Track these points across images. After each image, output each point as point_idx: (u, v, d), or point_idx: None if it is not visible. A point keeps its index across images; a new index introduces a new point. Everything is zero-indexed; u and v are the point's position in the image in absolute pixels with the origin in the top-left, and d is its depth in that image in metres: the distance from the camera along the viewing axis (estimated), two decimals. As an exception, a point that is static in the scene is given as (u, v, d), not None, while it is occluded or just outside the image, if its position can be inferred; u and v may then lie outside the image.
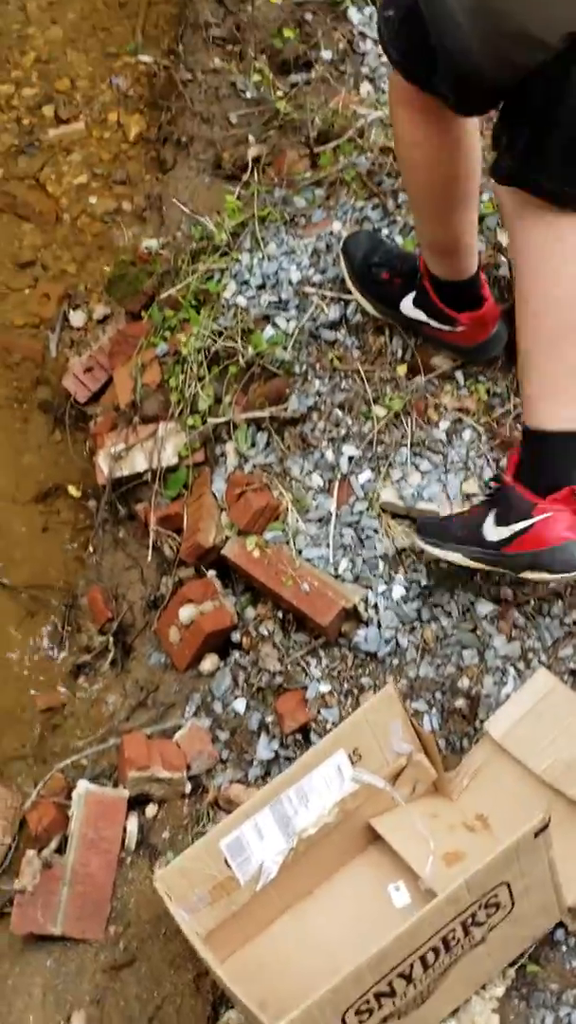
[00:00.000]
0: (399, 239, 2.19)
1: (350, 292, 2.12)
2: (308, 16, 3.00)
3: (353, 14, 2.93)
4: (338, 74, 2.84)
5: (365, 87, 2.76)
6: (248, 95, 3.00)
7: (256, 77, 2.96)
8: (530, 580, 1.80)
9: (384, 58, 2.78)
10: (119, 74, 3.30)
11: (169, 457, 2.18)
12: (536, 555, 1.73)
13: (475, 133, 1.72)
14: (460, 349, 2.03)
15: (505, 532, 1.76)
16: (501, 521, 1.76)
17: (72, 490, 2.45)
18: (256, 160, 2.78)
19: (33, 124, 3.16)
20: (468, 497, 1.94)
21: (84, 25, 3.43)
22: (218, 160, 2.89)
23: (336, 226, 2.27)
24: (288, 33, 2.91)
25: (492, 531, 1.78)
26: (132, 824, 1.92)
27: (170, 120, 3.11)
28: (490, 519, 1.80)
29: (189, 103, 3.07)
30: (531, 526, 1.71)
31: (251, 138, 2.88)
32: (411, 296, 2.01)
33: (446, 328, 1.98)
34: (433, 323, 1.99)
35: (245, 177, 2.59)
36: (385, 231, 2.22)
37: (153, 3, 3.52)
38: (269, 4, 3.07)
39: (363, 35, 2.88)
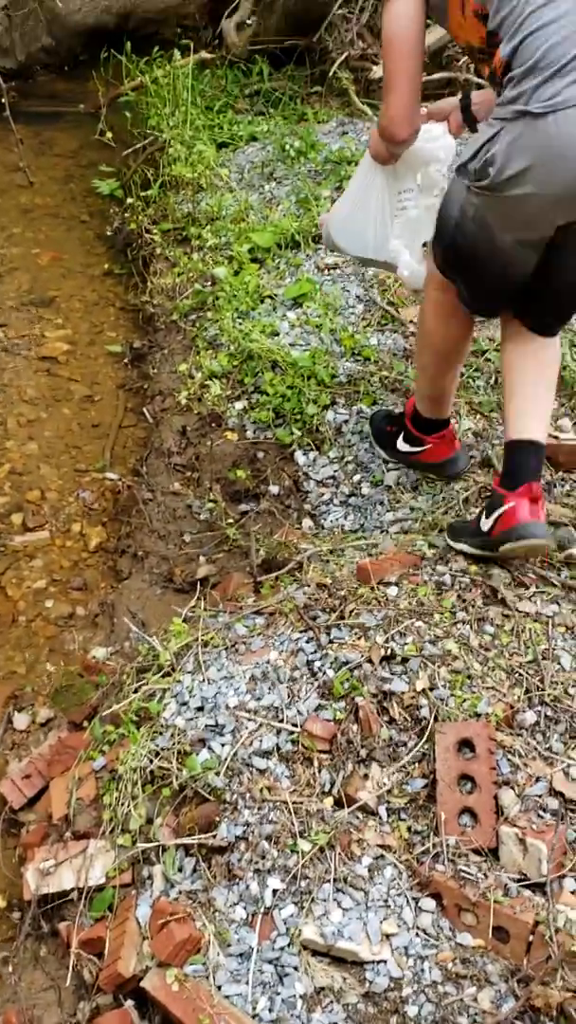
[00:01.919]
0: (330, 672, 2.35)
1: (280, 721, 2.26)
2: (260, 454, 3.37)
3: (299, 456, 3.30)
4: (283, 508, 3.15)
5: (307, 522, 3.06)
6: (202, 517, 3.29)
7: (210, 504, 3.26)
8: (505, 554, 2.54)
9: (324, 496, 3.13)
10: (86, 488, 3.61)
11: (97, 876, 2.20)
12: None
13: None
14: (431, 466, 3.05)
15: (489, 523, 2.55)
16: (488, 515, 2.56)
17: (-2, 901, 2.43)
18: (205, 579, 3.02)
19: (0, 530, 3.41)
20: (387, 937, 1.98)
21: (59, 443, 3.80)
22: (170, 575, 3.13)
23: (273, 655, 2.44)
24: (240, 472, 3.25)
25: (484, 523, 2.57)
26: None
27: (129, 534, 3.38)
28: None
29: (148, 520, 3.36)
30: (503, 512, 2.49)
31: (202, 558, 3.14)
32: (402, 436, 3.07)
33: (417, 449, 3.01)
34: (414, 449, 3.03)
35: (193, 601, 2.79)
36: (318, 663, 2.39)
37: (123, 427, 3.92)
38: (226, 441, 3.45)
39: (307, 475, 3.22)
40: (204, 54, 5.94)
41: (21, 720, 2.78)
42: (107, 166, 5.39)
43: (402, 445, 3.08)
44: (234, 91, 5.78)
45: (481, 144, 2.24)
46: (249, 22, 6.06)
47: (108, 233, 5.04)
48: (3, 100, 5.30)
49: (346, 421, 3.37)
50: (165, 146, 5.08)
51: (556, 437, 3.03)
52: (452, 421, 3.01)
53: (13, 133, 5.29)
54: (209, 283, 4.16)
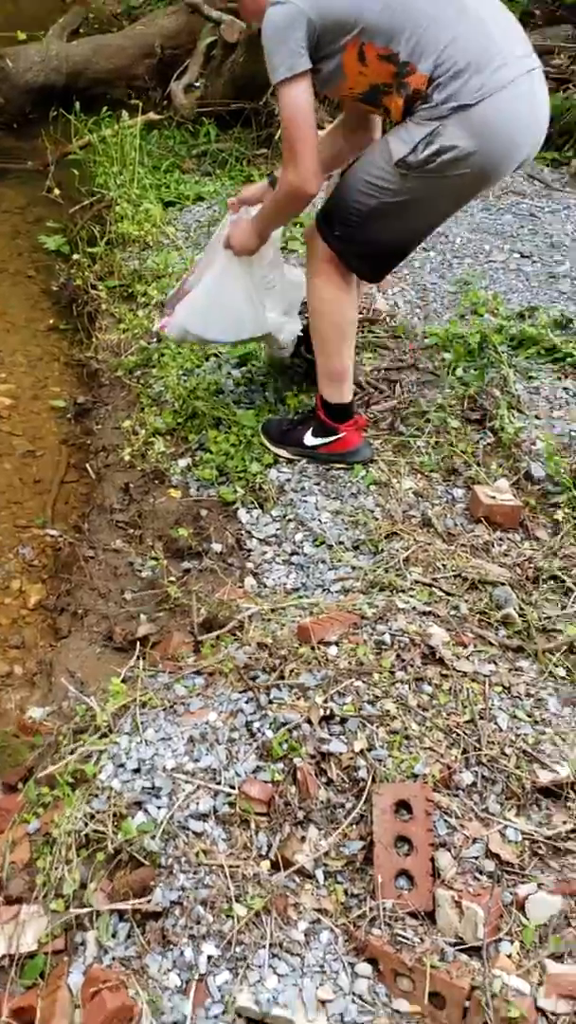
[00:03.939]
0: (269, 733, 2.34)
1: (225, 781, 2.25)
2: (203, 512, 3.37)
3: (242, 514, 3.30)
4: (225, 566, 3.15)
5: (249, 580, 3.05)
6: (143, 575, 3.27)
7: (152, 562, 3.25)
8: (333, 465, 3.42)
9: (267, 554, 3.13)
10: (27, 544, 3.58)
11: (29, 943, 2.14)
12: (343, 454, 3.39)
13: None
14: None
15: (318, 441, 3.40)
16: (316, 435, 3.40)
17: None
18: (145, 638, 3.00)
19: None
20: (323, 1003, 1.95)
21: (-1, 498, 3.77)
22: (110, 633, 3.11)
23: (212, 716, 2.43)
24: (183, 530, 3.25)
25: (310, 440, 3.41)
26: None
27: (69, 591, 3.35)
28: (308, 434, 3.41)
29: (88, 578, 3.34)
30: (338, 439, 3.37)
31: (143, 616, 3.11)
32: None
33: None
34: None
35: (132, 660, 2.76)
36: (257, 724, 2.38)
37: (66, 483, 3.91)
38: (169, 498, 3.45)
39: (249, 534, 3.23)
40: (152, 115, 6.04)
41: (-42, 781, 2.72)
42: (54, 222, 5.43)
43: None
44: (181, 151, 5.87)
45: (419, 139, 2.75)
46: (197, 85, 6.18)
47: (54, 288, 5.05)
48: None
49: (288, 479, 3.39)
50: (112, 204, 5.14)
51: (493, 497, 3.07)
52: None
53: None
54: (155, 340, 4.18)
